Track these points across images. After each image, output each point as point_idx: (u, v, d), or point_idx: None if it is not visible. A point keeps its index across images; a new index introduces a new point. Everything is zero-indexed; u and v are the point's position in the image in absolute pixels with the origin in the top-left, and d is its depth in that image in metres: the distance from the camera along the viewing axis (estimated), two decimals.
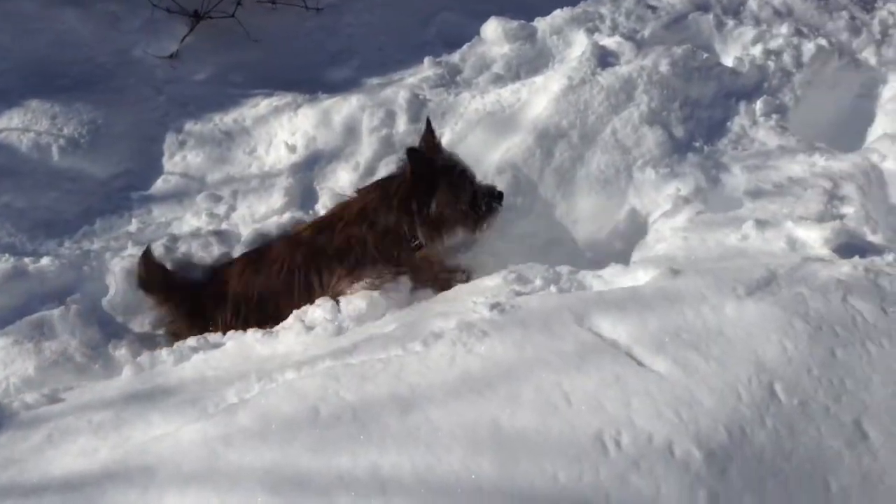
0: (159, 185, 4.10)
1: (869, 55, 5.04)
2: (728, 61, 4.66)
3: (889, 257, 2.99)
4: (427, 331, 2.59)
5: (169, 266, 3.49)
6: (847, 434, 2.26)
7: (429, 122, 3.48)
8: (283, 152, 4.18)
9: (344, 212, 3.34)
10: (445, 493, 2.03)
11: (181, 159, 4.20)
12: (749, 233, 3.17)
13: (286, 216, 3.79)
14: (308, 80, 4.64)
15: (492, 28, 4.72)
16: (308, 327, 2.90)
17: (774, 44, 4.78)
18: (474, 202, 3.31)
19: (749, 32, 4.90)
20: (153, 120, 4.36)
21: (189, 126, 4.33)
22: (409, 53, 4.80)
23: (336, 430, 2.19)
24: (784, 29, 4.92)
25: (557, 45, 4.70)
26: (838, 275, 2.76)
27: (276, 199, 3.94)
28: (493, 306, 2.67)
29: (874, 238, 3.21)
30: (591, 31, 4.70)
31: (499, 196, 3.40)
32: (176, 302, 3.35)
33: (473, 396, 2.28)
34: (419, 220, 3.23)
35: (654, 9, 4.97)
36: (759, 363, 2.38)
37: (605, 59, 4.39)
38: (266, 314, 3.18)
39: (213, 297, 3.30)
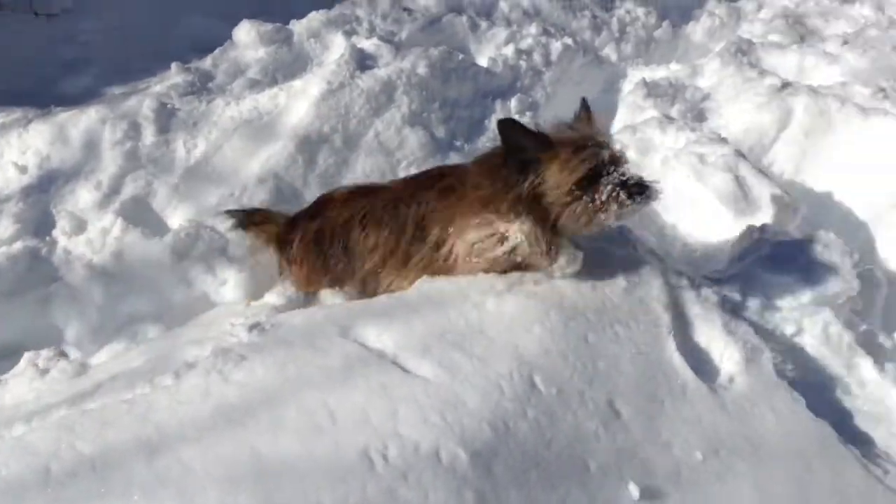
0: None
1: (610, 52, 5.43)
2: (483, 62, 4.81)
3: None
4: (180, 361, 2.39)
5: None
6: (601, 414, 2.35)
7: (584, 101, 2.92)
8: (11, 174, 3.71)
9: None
10: None
11: None
12: None
13: (17, 245, 3.35)
14: (40, 92, 4.22)
15: (245, 31, 4.53)
16: (43, 371, 2.58)
17: (525, 44, 5.00)
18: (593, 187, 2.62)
19: (501, 33, 5.10)
20: None
21: None
22: (154, 60, 4.49)
23: (72, 489, 1.94)
24: (533, 29, 5.16)
25: (315, 48, 4.61)
26: None
27: (6, 226, 3.47)
28: (252, 327, 2.52)
29: None
30: (348, 34, 4.66)
31: (640, 189, 2.61)
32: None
33: (231, 428, 2.12)
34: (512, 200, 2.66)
35: (409, 11, 5.03)
36: (519, 356, 2.42)
37: (363, 61, 4.37)
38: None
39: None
